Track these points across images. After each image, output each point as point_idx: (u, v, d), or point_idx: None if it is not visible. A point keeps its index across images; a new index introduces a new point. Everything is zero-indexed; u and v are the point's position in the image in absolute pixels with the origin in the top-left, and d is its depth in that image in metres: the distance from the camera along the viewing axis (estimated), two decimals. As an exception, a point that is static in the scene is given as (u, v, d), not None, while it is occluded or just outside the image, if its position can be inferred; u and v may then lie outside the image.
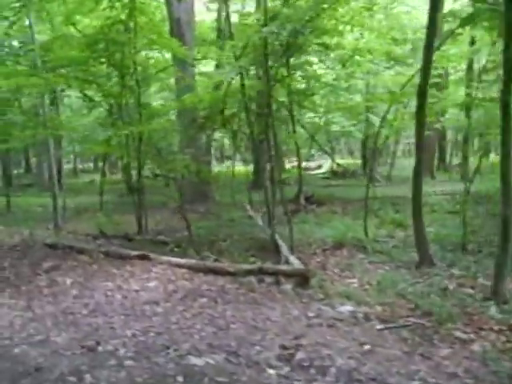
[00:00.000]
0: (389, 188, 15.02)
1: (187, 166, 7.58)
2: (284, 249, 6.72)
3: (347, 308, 4.92)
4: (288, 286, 5.50)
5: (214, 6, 15.16)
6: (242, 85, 6.58)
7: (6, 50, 9.73)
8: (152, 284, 5.75)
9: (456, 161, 24.14)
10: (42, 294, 5.51)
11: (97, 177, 23.95)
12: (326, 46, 8.03)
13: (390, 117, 13.55)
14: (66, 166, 25.99)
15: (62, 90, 12.26)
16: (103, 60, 7.43)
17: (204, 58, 12.78)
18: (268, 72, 7.02)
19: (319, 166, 25.64)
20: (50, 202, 14.28)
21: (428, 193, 13.54)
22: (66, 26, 10.93)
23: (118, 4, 7.44)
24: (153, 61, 9.29)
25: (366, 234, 8.19)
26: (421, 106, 6.05)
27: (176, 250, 7.21)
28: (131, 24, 7.58)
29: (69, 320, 4.65)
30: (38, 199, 14.83)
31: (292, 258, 6.21)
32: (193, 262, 6.36)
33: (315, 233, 8.60)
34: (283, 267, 5.82)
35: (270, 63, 6.97)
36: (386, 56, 13.66)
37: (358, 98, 14.93)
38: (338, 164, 20.71)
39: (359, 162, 25.12)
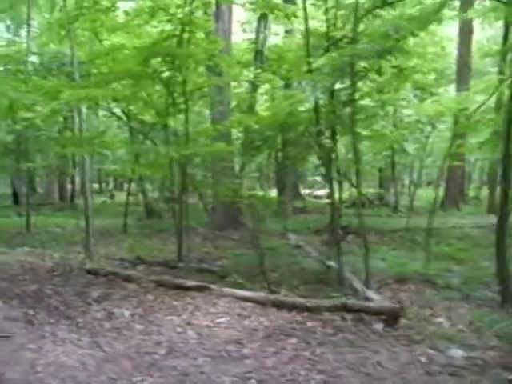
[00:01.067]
0: (415, 219, 14.52)
1: (253, 196, 7.04)
2: (356, 282, 6.17)
3: (458, 353, 4.36)
4: (379, 326, 4.95)
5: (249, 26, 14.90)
6: (316, 107, 6.11)
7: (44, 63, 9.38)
8: (223, 319, 5.16)
9: (471, 193, 23.85)
10: (104, 328, 4.91)
11: (105, 198, 23.42)
12: (401, 69, 7.63)
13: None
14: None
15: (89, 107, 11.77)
16: (154, 75, 6.95)
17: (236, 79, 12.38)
18: (334, 94, 6.61)
19: (330, 195, 25.11)
20: (67, 222, 13.81)
21: (461, 225, 13.16)
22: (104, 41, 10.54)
23: (173, 17, 7.03)
24: (203, 79, 8.77)
25: (426, 267, 7.68)
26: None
27: (239, 281, 6.61)
28: (186, 38, 7.17)
29: (147, 361, 4.08)
30: (55, 219, 14.17)
31: (371, 293, 5.66)
32: (261, 295, 5.79)
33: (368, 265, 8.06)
34: (370, 304, 5.26)
35: (338, 86, 6.57)
36: (413, 83, 13.40)
37: (387, 125, 14.58)
38: (360, 193, 20.14)
39: (371, 191, 24.71)
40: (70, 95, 5.93)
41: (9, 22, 18.46)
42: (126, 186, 31.63)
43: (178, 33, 7.08)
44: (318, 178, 25.32)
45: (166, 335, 4.71)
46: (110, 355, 4.19)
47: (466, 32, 17.28)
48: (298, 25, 10.17)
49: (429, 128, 12.11)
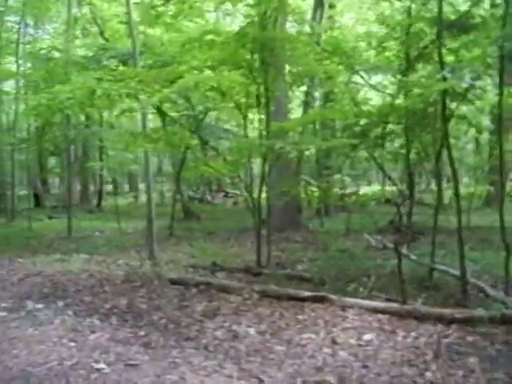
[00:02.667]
0: (463, 216, 13.78)
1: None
2: (490, 290, 5.48)
3: None
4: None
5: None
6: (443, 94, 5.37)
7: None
8: (370, 336, 4.46)
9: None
10: (239, 350, 4.20)
11: (127, 199, 22.50)
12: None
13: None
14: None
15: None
16: (245, 64, 6.22)
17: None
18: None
19: (356, 193, 24.43)
20: (104, 225, 13.06)
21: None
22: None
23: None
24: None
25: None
26: None
27: (360, 290, 5.93)
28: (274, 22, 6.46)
29: (324, 393, 3.38)
30: (90, 223, 13.40)
31: (522, 302, 4.97)
32: (395, 306, 5.10)
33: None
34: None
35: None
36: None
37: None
38: (458, 193, 19.30)
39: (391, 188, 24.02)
40: (185, 81, 5.15)
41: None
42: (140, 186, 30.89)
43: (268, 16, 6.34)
44: (348, 177, 24.57)
45: (319, 358, 4.01)
46: (273, 386, 3.49)
47: None
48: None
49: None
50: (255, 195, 7.65)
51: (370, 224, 11.85)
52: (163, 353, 4.15)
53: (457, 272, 6.09)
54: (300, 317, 5.03)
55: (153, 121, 15.76)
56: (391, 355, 4.03)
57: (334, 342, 4.35)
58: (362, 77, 9.45)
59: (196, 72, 6.54)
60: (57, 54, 14.02)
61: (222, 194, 23.14)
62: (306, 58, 6.50)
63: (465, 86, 5.09)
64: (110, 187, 31.18)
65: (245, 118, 7.26)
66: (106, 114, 13.17)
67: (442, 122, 5.39)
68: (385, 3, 12.36)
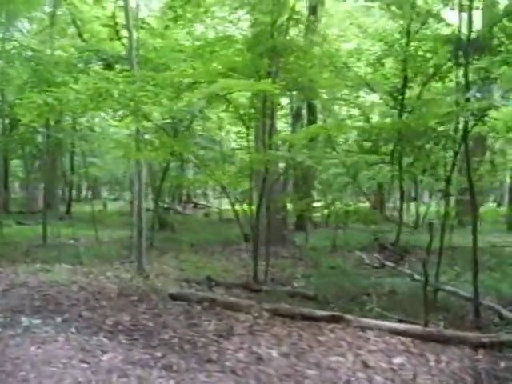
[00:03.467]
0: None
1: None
2: (506, 312, 5.45)
3: None
4: None
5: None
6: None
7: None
8: (401, 360, 4.30)
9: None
10: (269, 375, 3.94)
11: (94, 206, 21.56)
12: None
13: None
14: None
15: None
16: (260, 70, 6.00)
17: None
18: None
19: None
20: (77, 233, 12.40)
21: (499, 243, 12.67)
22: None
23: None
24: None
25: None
26: None
27: (377, 309, 5.76)
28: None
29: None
30: (62, 230, 12.66)
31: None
32: (418, 328, 4.96)
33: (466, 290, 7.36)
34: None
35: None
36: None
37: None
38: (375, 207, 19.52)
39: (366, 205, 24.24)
40: (217, 87, 4.84)
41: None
42: (103, 193, 30.00)
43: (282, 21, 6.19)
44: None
45: (356, 383, 3.82)
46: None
47: None
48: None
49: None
50: (253, 208, 7.43)
51: (354, 241, 11.83)
52: (189, 377, 3.85)
53: (465, 293, 6.07)
54: (320, 338, 4.81)
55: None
56: (430, 381, 3.88)
57: (365, 365, 4.16)
58: (357, 95, 9.47)
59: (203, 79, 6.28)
60: (29, 54, 13.46)
61: (191, 205, 22.77)
62: (313, 69, 6.38)
63: (497, 104, 5.08)
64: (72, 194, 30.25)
65: (248, 128, 7.04)
66: (86, 118, 12.59)
67: (463, 142, 5.36)
68: (369, 19, 12.46)
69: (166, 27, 9.46)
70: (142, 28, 9.44)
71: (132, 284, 6.98)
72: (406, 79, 8.76)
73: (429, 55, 7.80)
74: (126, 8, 7.79)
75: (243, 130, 11.86)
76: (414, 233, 15.35)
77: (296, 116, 11.22)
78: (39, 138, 13.01)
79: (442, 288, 6.55)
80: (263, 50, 5.71)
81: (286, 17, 6.14)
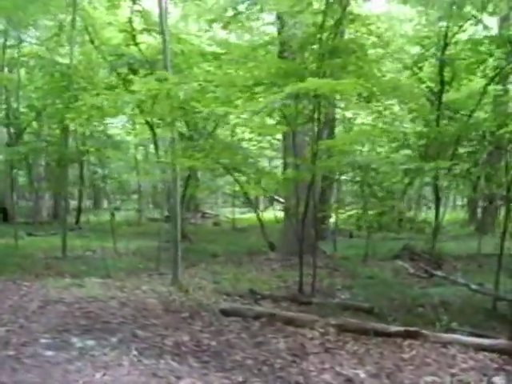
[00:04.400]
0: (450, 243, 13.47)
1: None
2: None
3: None
4: None
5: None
6: None
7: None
8: (500, 380, 3.97)
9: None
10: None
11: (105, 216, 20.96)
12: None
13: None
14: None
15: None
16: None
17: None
18: None
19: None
20: (90, 244, 11.93)
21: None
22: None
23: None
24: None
25: None
26: None
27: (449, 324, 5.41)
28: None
29: None
30: (76, 242, 12.20)
31: None
32: (504, 342, 4.63)
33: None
34: None
35: None
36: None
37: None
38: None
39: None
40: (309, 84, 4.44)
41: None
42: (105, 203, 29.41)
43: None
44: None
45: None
46: None
47: None
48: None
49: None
50: (299, 217, 7.09)
51: (383, 249, 11.48)
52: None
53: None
54: (403, 355, 4.47)
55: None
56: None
57: (465, 387, 3.82)
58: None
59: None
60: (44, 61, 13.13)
61: (199, 214, 22.36)
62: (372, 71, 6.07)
63: None
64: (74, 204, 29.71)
65: (294, 134, 6.70)
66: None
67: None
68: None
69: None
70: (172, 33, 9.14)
71: (173, 298, 6.59)
72: (442, 83, 8.50)
73: (472, 58, 7.50)
74: (160, 13, 7.48)
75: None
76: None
77: (327, 122, 10.88)
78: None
79: (503, 297, 6.23)
80: (323, 51, 5.39)
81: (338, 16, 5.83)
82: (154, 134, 9.43)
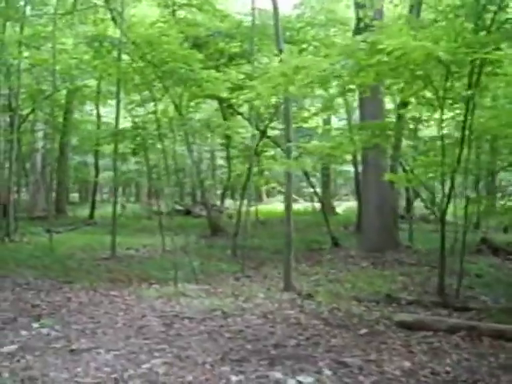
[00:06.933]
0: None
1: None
2: None
3: None
4: None
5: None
6: None
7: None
8: None
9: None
10: None
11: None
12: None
13: None
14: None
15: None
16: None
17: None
18: None
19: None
20: (125, 241, 10.53)
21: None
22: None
23: None
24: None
25: None
26: None
27: None
28: None
29: None
30: (105, 237, 10.70)
31: None
32: None
33: None
34: None
35: None
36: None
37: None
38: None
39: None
40: None
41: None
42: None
43: None
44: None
45: None
46: None
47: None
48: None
49: None
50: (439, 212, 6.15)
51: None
52: None
53: None
54: None
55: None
56: None
57: None
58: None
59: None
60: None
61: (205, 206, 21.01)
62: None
63: None
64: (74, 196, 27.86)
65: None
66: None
67: None
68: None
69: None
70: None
71: (312, 308, 5.52)
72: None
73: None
74: None
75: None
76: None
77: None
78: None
79: None
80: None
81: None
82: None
